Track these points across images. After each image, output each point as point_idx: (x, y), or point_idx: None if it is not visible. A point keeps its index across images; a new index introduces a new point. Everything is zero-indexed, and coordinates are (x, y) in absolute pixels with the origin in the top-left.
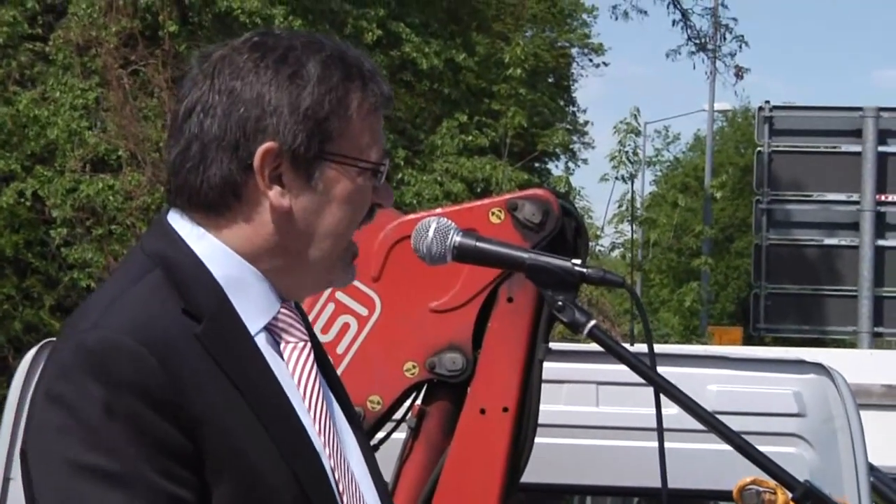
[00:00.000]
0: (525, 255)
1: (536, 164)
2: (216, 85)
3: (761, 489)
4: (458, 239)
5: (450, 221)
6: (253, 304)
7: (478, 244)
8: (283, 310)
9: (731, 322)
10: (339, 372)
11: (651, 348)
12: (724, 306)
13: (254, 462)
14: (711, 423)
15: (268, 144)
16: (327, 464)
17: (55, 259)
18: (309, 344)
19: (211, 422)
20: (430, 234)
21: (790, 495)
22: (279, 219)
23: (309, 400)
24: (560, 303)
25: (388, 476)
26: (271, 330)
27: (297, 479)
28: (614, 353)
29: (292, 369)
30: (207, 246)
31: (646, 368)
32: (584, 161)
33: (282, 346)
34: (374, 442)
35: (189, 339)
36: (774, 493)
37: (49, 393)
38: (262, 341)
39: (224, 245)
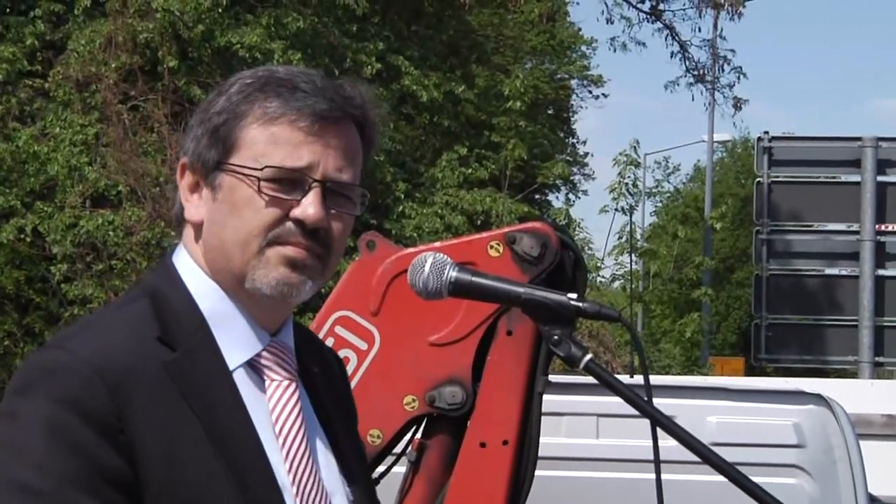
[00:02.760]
0: (521, 290)
1: (537, 196)
2: None
3: None
4: (454, 274)
5: (446, 257)
6: (236, 339)
7: (473, 279)
8: (270, 347)
9: (733, 352)
10: None
11: (647, 381)
12: (726, 337)
13: (202, 494)
14: (706, 455)
15: (183, 159)
16: (291, 501)
17: (56, 295)
18: (295, 383)
19: (157, 453)
20: (427, 269)
21: None
22: (201, 233)
23: (284, 438)
24: (556, 337)
25: None
26: (255, 366)
27: None
28: (610, 386)
29: (272, 407)
30: (200, 282)
31: (642, 402)
32: (584, 192)
33: (266, 383)
34: (374, 476)
35: (156, 367)
36: None
37: (3, 406)
38: (241, 376)
39: (213, 280)
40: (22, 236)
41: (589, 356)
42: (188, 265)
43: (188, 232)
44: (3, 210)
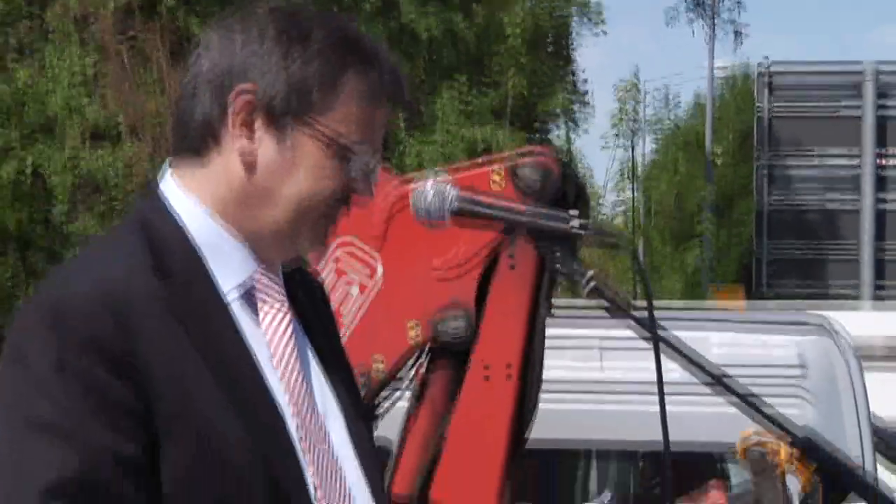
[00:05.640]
0: (523, 213)
1: (537, 134)
2: (223, 30)
3: (764, 450)
4: (456, 197)
5: (448, 182)
6: (229, 268)
7: (475, 202)
8: (261, 275)
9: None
10: (343, 336)
11: (650, 301)
12: (727, 271)
13: (209, 422)
14: (710, 373)
15: (247, 90)
16: (293, 428)
17: (58, 234)
18: (287, 309)
19: (165, 381)
20: (429, 194)
21: (792, 449)
22: (244, 169)
23: (282, 367)
24: (558, 258)
25: (394, 436)
26: (249, 294)
27: (255, 441)
28: (613, 305)
29: (268, 335)
30: (190, 210)
31: (645, 321)
32: (585, 131)
33: (259, 310)
34: (377, 406)
35: (153, 299)
36: (777, 450)
37: (10, 347)
38: (236, 305)
39: (204, 209)
40: (22, 175)
41: (591, 273)
42: (177, 194)
43: (190, 160)
44: (2, 149)
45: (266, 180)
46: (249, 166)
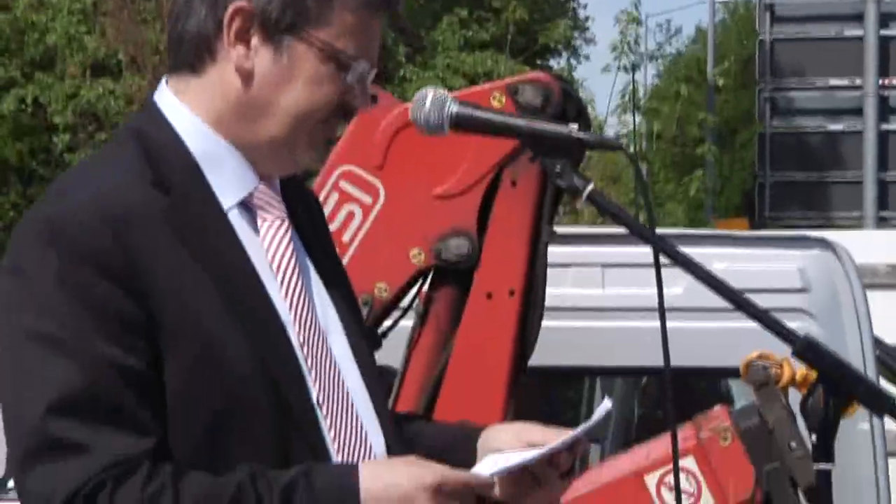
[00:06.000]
0: (522, 122)
1: (538, 62)
2: None
3: (767, 364)
4: (455, 108)
5: (447, 93)
6: (227, 179)
7: (474, 110)
8: (261, 187)
9: (737, 214)
10: (345, 260)
11: (650, 210)
12: (730, 199)
13: (209, 332)
14: (710, 280)
15: (242, 3)
16: (294, 338)
17: (59, 166)
18: (286, 222)
19: (166, 292)
20: (428, 103)
21: (796, 366)
22: (241, 81)
23: (282, 276)
24: (558, 169)
25: (398, 363)
26: (248, 206)
27: (255, 347)
28: (612, 215)
29: (267, 246)
30: (186, 121)
31: (644, 229)
32: (587, 57)
33: (259, 222)
34: (381, 330)
35: (153, 211)
36: (780, 368)
37: (9, 262)
38: (235, 217)
39: (201, 120)
40: (23, 107)
41: (591, 185)
42: (173, 105)
43: (186, 75)
44: (3, 81)
45: (263, 92)
46: (246, 79)
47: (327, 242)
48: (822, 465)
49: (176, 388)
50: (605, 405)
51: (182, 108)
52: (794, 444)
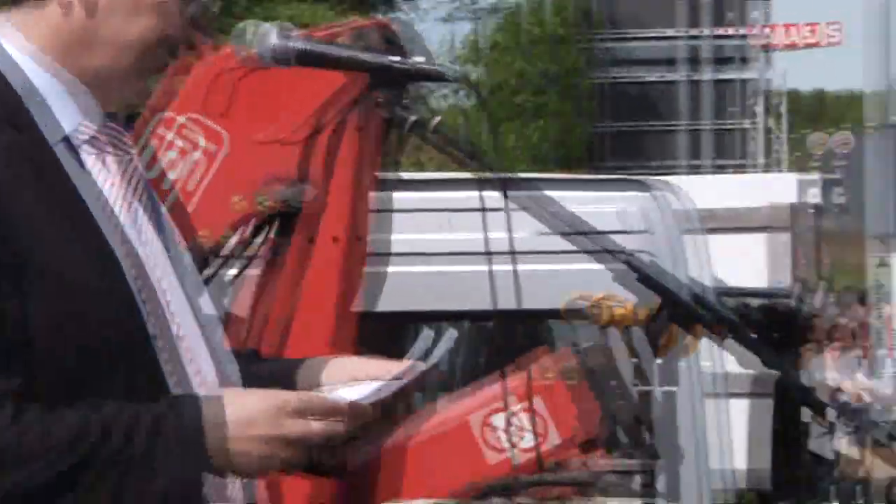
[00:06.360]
0: (369, 56)
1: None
2: None
3: (584, 303)
4: (300, 39)
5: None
6: (72, 115)
7: (319, 44)
8: (106, 125)
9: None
10: (190, 208)
11: (497, 144)
12: (570, 151)
13: (64, 271)
14: (557, 221)
15: None
16: (129, 275)
17: None
18: (133, 160)
19: (22, 228)
20: (273, 35)
21: (615, 306)
22: (85, 12)
23: (116, 214)
24: (406, 102)
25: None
26: (84, 142)
27: (100, 286)
28: (449, 143)
29: (114, 182)
30: (13, 54)
31: (480, 156)
32: (422, 9)
33: (107, 159)
34: (203, 277)
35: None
36: (599, 307)
37: None
38: (62, 152)
39: (31, 54)
40: None
41: (439, 118)
42: (15, 37)
43: (26, 6)
44: None
45: (107, 21)
46: (90, 8)
47: (151, 191)
48: (667, 388)
49: (40, 325)
50: (449, 334)
51: (9, 41)
52: (637, 382)
